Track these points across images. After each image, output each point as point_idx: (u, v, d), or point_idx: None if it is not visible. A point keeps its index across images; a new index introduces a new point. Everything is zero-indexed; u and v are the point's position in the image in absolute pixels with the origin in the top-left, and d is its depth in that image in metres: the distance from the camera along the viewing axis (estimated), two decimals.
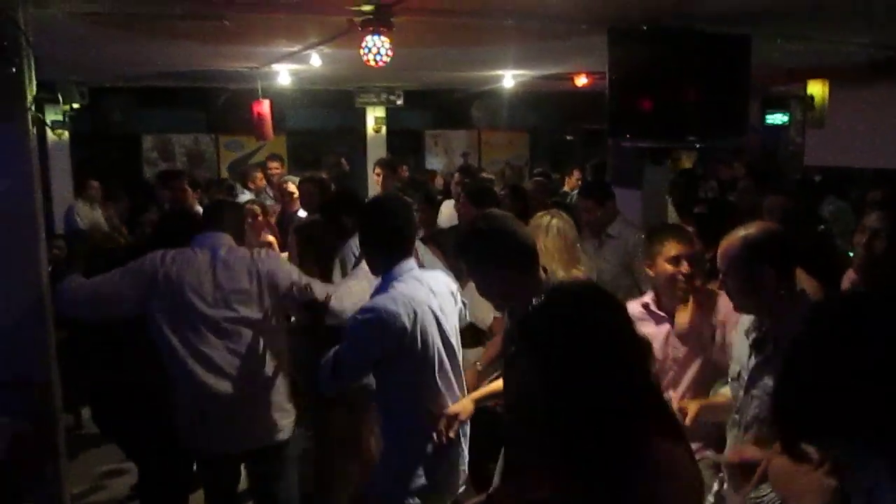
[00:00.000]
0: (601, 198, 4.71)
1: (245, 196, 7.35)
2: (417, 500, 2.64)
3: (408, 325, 2.55)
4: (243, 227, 3.40)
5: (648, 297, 3.16)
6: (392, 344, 2.56)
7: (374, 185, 6.58)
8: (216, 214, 3.29)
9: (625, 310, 1.64)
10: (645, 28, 4.60)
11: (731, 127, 5.01)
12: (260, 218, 5.34)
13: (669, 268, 2.99)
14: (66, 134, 9.02)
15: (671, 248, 3.01)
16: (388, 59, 4.25)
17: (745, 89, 4.89)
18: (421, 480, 2.65)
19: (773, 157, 11.13)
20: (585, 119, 10.43)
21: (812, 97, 7.05)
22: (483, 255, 2.40)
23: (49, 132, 8.69)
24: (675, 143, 5.37)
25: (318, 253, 4.06)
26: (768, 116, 10.31)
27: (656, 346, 2.86)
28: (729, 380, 2.58)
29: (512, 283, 2.36)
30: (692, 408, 2.57)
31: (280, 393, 3.17)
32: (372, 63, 4.27)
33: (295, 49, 5.96)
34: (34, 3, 3.42)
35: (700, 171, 9.16)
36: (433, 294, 2.72)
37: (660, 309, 3.10)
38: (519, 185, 5.76)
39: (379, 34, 4.17)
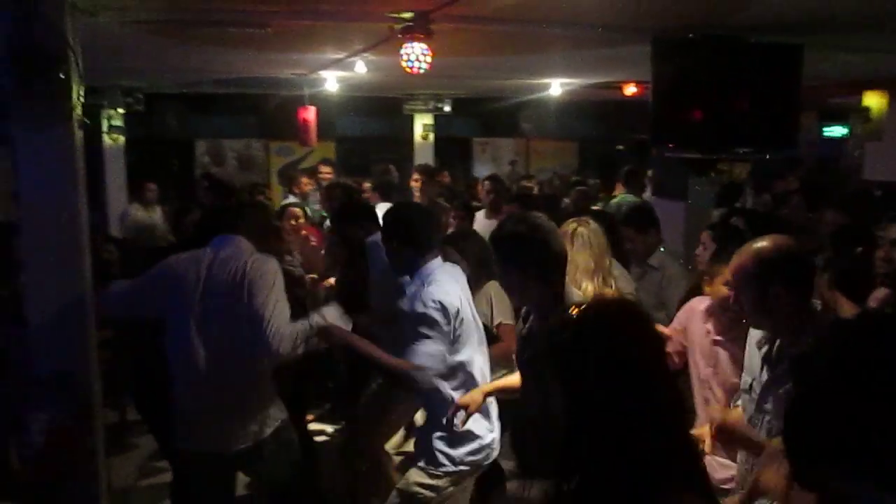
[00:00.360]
0: (642, 225, 4.53)
1: (290, 200, 7.46)
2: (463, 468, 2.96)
3: (461, 311, 2.89)
4: (267, 229, 3.44)
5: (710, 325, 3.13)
6: (458, 328, 2.86)
7: (414, 191, 6.58)
8: (233, 217, 3.35)
9: (658, 338, 1.59)
10: (691, 37, 4.50)
11: (781, 139, 4.86)
12: (301, 220, 5.43)
13: (724, 290, 2.86)
14: (122, 139, 9.31)
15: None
16: (427, 67, 4.25)
17: (796, 100, 4.73)
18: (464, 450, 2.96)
19: (831, 171, 10.76)
20: (635, 129, 10.26)
21: (868, 109, 6.78)
22: (511, 256, 2.49)
23: (105, 137, 9.01)
24: (723, 155, 5.23)
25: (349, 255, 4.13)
26: (826, 129, 9.98)
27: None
28: (741, 390, 2.52)
29: (532, 288, 2.46)
30: (706, 436, 2.50)
31: (260, 394, 3.17)
32: (413, 71, 4.27)
33: (340, 56, 6.03)
34: (82, 11, 3.53)
35: (750, 184, 8.92)
36: (460, 285, 3.03)
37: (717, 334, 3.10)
38: (529, 195, 5.70)
39: (418, 41, 4.17)
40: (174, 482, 4.06)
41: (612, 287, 3.28)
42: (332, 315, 3.04)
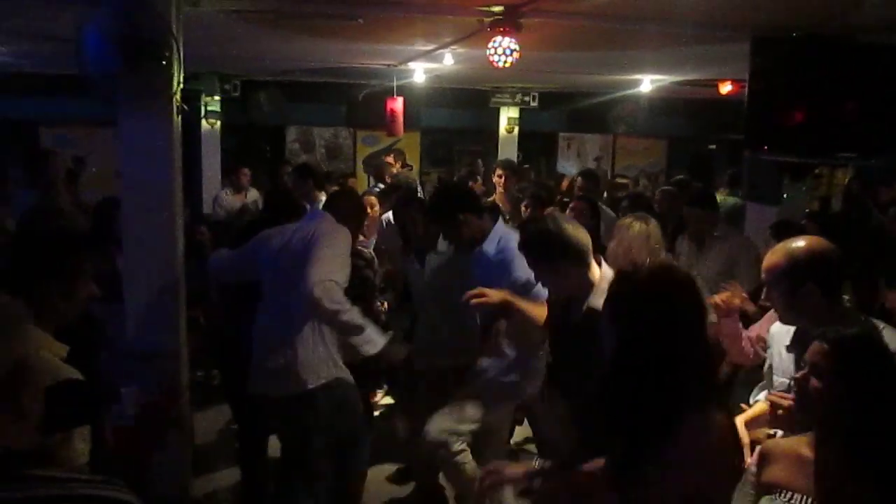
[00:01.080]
0: (708, 206, 4.77)
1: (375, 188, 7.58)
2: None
3: None
4: (354, 212, 3.70)
5: None
6: None
7: (497, 186, 6.53)
8: (328, 200, 3.96)
9: (698, 297, 1.87)
10: (794, 35, 4.29)
11: (889, 144, 4.59)
12: (376, 208, 5.54)
13: None
14: (218, 124, 9.66)
15: None
16: (515, 61, 4.22)
17: None
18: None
19: None
20: (729, 128, 9.90)
21: None
22: (540, 252, 2.81)
23: (203, 122, 9.38)
24: (824, 160, 4.98)
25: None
26: None
27: None
28: (775, 390, 2.54)
29: (563, 278, 2.78)
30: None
31: (313, 349, 3.35)
32: (499, 64, 4.25)
33: (429, 48, 6.05)
34: (185, 0, 3.68)
35: (856, 190, 8.47)
36: None
37: None
38: (541, 194, 5.54)
39: (507, 35, 4.14)
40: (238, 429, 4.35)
41: None
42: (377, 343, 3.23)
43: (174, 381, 3.70)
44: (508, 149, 10.71)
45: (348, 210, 3.61)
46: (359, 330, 3.17)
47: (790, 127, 4.34)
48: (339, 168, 10.68)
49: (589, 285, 2.74)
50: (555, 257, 2.76)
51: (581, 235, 2.78)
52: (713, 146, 12.63)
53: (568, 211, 5.10)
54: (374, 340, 3.20)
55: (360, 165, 11.55)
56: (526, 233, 2.91)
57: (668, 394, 1.75)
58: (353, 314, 3.16)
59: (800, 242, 2.39)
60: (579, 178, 6.66)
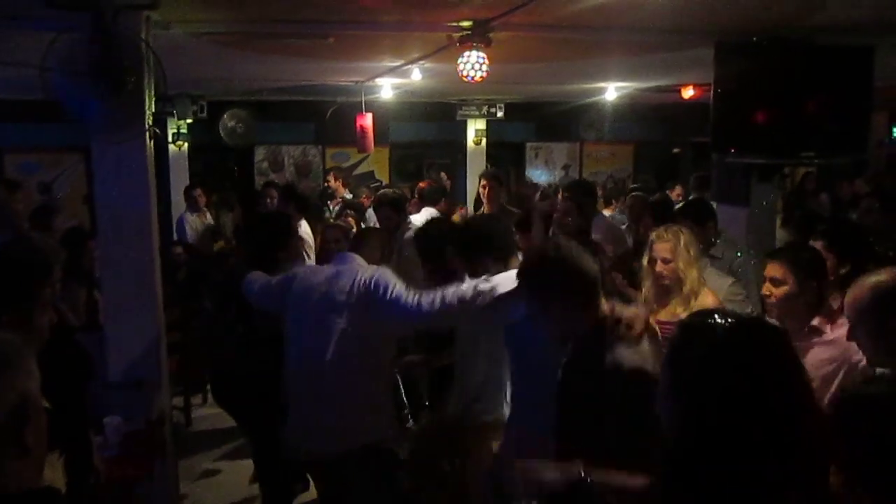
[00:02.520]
0: (700, 218, 4.31)
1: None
2: None
3: None
4: (379, 249, 3.49)
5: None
6: None
7: (482, 197, 6.54)
8: (356, 239, 3.68)
9: (795, 361, 1.50)
10: (755, 40, 4.41)
11: (850, 143, 4.72)
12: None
13: None
14: (185, 145, 9.59)
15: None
16: (484, 75, 4.26)
17: (867, 103, 4.59)
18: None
19: None
20: (694, 131, 10.08)
21: None
22: (546, 287, 2.30)
23: (170, 144, 9.30)
24: (789, 160, 5.09)
25: None
26: None
27: None
28: None
29: (575, 318, 2.29)
30: None
31: (359, 399, 3.10)
32: (469, 78, 4.29)
33: (397, 64, 6.09)
34: (156, 24, 3.66)
35: (810, 186, 8.68)
36: None
37: None
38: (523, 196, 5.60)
39: (477, 50, 4.19)
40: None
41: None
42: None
43: (156, 410, 3.66)
44: (477, 160, 10.78)
45: (373, 247, 3.44)
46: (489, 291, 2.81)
47: (755, 128, 4.43)
48: (310, 186, 10.63)
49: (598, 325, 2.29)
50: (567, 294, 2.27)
51: (591, 271, 2.32)
52: (678, 150, 12.85)
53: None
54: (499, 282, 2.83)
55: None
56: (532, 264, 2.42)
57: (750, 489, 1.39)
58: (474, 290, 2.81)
59: (882, 276, 2.18)
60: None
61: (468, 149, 10.88)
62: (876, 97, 4.64)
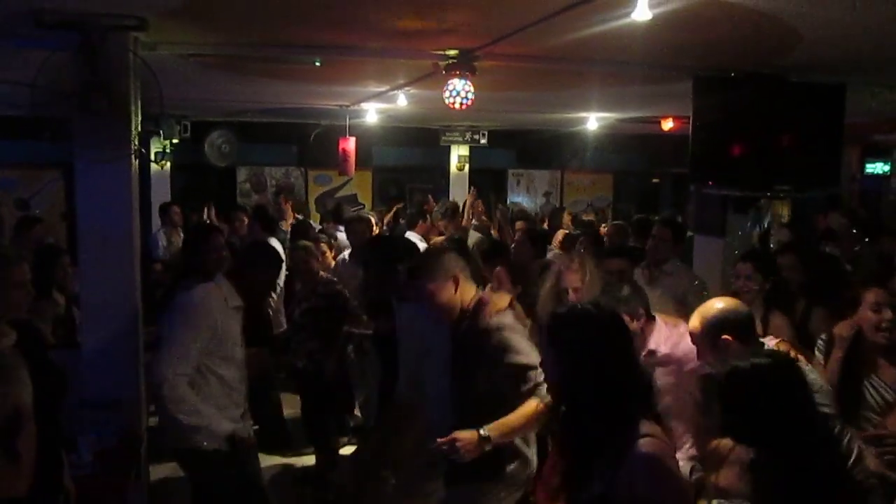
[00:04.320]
0: (679, 234, 4.84)
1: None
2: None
3: None
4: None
5: None
6: None
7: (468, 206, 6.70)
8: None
9: (625, 331, 2.18)
10: (732, 75, 4.53)
11: (823, 177, 4.84)
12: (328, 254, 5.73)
13: (872, 315, 3.07)
14: (168, 165, 9.57)
15: (872, 296, 3.07)
16: (470, 102, 4.33)
17: (838, 138, 4.72)
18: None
19: (874, 208, 10.61)
20: (673, 162, 10.25)
21: None
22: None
23: (153, 164, 9.28)
24: (763, 192, 5.21)
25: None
26: (868, 165, 9.87)
27: None
28: None
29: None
30: None
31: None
32: (455, 106, 4.36)
33: (382, 89, 6.16)
34: (144, 45, 3.69)
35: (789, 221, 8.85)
36: None
37: None
38: (534, 229, 5.82)
39: (462, 78, 4.26)
40: None
41: None
42: None
43: (132, 429, 3.63)
44: (460, 186, 10.87)
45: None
46: None
47: (731, 161, 4.54)
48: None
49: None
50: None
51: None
52: (657, 180, 13.03)
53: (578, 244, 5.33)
54: None
55: (312, 205, 11.54)
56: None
57: (609, 410, 2.00)
58: None
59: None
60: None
61: (451, 174, 10.99)
62: (848, 133, 4.78)
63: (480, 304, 2.90)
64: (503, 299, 2.99)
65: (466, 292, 2.93)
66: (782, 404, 2.10)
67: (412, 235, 6.19)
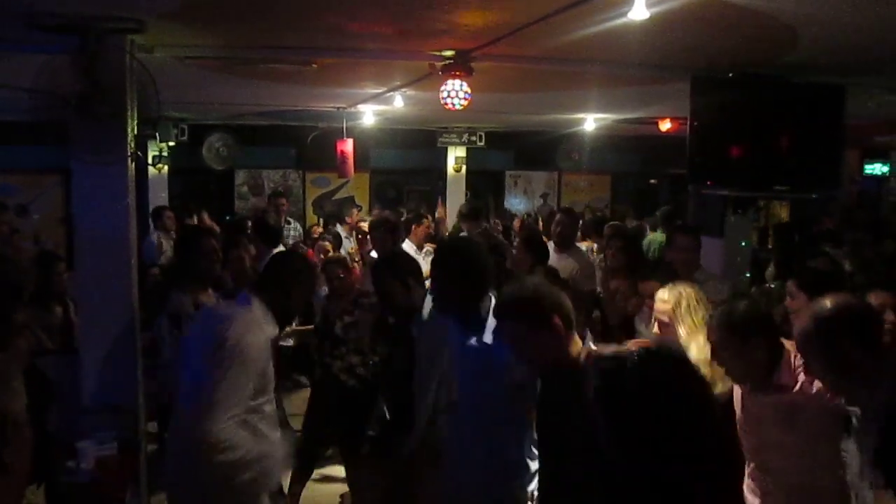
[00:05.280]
0: (698, 242, 4.43)
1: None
2: None
3: None
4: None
5: None
6: None
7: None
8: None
9: (708, 394, 1.66)
10: (731, 75, 4.52)
11: (824, 178, 4.84)
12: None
13: None
14: (165, 168, 9.55)
15: (875, 298, 2.91)
16: (466, 103, 4.33)
17: (839, 140, 4.73)
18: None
19: (873, 209, 10.61)
20: (671, 163, 10.24)
21: None
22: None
23: (150, 167, 9.26)
24: (763, 193, 5.21)
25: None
26: (867, 166, 9.88)
27: None
28: None
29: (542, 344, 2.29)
30: None
31: None
32: (451, 107, 4.35)
33: (379, 91, 6.15)
34: (140, 47, 3.67)
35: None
36: None
37: None
38: (532, 236, 5.52)
39: (458, 79, 4.25)
40: None
41: None
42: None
43: (131, 435, 3.60)
44: (457, 187, 10.86)
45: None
46: None
47: (730, 162, 4.53)
48: (291, 210, 10.62)
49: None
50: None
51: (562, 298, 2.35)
52: (655, 181, 13.03)
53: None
54: None
55: (309, 207, 11.53)
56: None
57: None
58: None
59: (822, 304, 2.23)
60: (559, 216, 6.11)
61: (448, 176, 10.96)
62: (847, 134, 4.77)
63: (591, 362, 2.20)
64: (576, 345, 2.35)
65: (573, 343, 2.33)
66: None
67: (408, 245, 6.08)
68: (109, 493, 3.19)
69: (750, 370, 2.53)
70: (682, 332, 3.01)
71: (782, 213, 9.05)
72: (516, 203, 12.59)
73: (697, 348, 2.86)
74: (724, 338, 2.48)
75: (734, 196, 5.03)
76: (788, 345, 2.56)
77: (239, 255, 4.97)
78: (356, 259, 6.68)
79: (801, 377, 2.51)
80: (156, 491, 4.43)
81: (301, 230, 8.62)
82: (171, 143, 8.99)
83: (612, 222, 7.48)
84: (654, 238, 7.48)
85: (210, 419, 2.60)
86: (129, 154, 3.52)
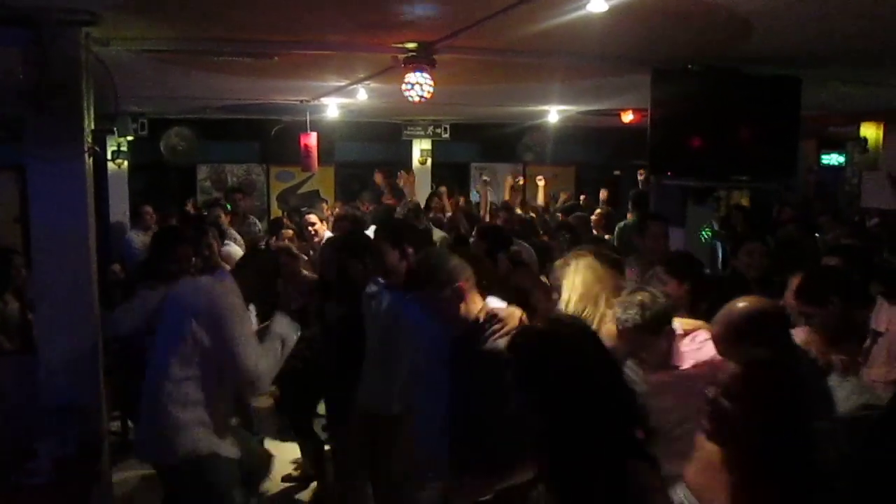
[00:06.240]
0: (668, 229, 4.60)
1: None
2: None
3: None
4: None
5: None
6: None
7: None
8: None
9: (605, 350, 1.93)
10: (690, 67, 4.59)
11: (780, 168, 4.94)
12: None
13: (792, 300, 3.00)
14: (125, 164, 9.37)
15: (796, 281, 3.04)
16: (430, 96, 4.32)
17: (795, 131, 4.82)
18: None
19: (830, 199, 10.85)
20: (634, 154, 10.35)
21: (865, 139, 6.84)
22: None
23: (109, 162, 9.08)
24: (721, 183, 5.31)
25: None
26: (824, 157, 10.09)
27: None
28: None
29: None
30: None
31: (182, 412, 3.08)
32: (414, 99, 4.34)
33: (343, 83, 6.11)
34: (96, 41, 3.60)
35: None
36: None
37: None
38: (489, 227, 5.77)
39: (421, 71, 4.25)
40: None
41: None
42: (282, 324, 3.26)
43: (93, 435, 3.55)
44: (423, 180, 10.84)
45: None
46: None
47: (689, 153, 4.61)
48: (254, 205, 10.51)
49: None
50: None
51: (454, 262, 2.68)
52: (619, 172, 13.16)
53: None
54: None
55: (274, 202, 11.43)
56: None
57: (585, 451, 1.76)
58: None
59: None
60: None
61: (414, 168, 10.94)
62: (804, 125, 4.88)
63: (492, 321, 2.62)
64: (514, 316, 2.66)
65: (475, 302, 2.69)
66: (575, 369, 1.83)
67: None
68: (71, 494, 3.13)
69: (656, 356, 2.80)
70: (564, 295, 3.24)
71: (742, 202, 9.21)
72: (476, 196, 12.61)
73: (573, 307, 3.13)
74: (638, 335, 2.74)
75: (694, 186, 5.11)
76: (687, 325, 2.90)
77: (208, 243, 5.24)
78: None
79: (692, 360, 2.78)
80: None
81: (260, 226, 8.49)
82: (130, 138, 8.82)
83: (577, 213, 7.56)
84: (628, 222, 7.43)
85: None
86: (86, 149, 3.45)
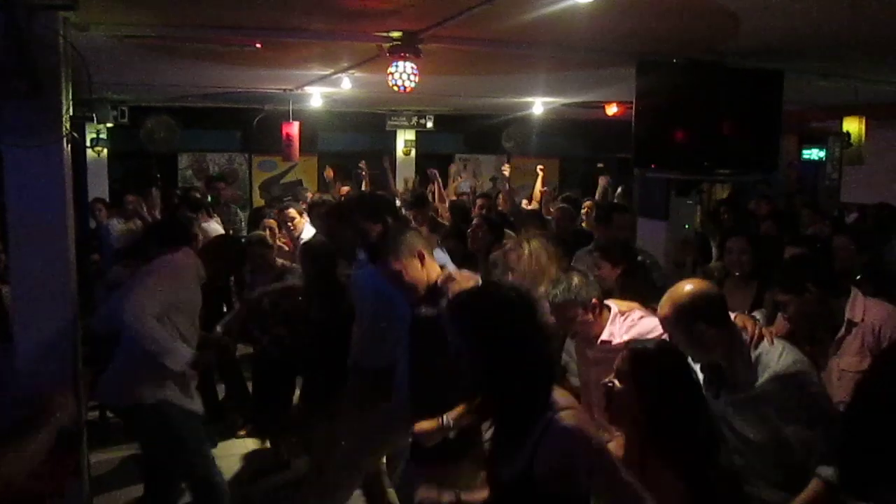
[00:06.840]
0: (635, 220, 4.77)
1: None
2: None
3: None
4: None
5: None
6: None
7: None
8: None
9: (532, 308, 2.14)
10: (675, 61, 4.59)
11: (762, 161, 4.96)
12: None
13: None
14: (105, 151, 9.25)
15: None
16: (414, 85, 4.30)
17: (776, 124, 4.84)
18: None
19: (810, 193, 10.96)
20: (618, 147, 10.39)
21: (848, 134, 6.88)
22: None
23: (89, 150, 8.96)
24: (704, 176, 5.32)
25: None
26: (805, 152, 10.18)
27: None
28: None
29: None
30: None
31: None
32: (398, 88, 4.32)
33: (326, 73, 6.06)
34: (74, 25, 3.53)
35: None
36: None
37: None
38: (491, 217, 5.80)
39: (406, 61, 4.22)
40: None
41: None
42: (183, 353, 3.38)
43: (71, 428, 3.50)
44: (406, 171, 10.82)
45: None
46: None
47: (673, 146, 4.62)
48: (237, 194, 10.42)
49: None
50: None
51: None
52: (602, 164, 13.19)
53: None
54: None
55: (257, 191, 11.34)
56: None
57: (525, 391, 2.01)
58: None
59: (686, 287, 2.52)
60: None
61: (398, 159, 10.91)
62: (785, 120, 4.90)
63: (448, 282, 2.90)
64: (469, 280, 2.95)
65: (432, 270, 2.95)
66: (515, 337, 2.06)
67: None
68: (47, 485, 3.09)
69: (585, 332, 3.06)
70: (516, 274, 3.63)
71: (724, 196, 9.27)
72: (465, 186, 12.59)
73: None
74: (564, 310, 2.99)
75: (677, 179, 5.13)
76: (622, 305, 3.10)
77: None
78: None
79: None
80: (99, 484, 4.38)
81: (243, 216, 8.41)
82: (110, 125, 8.70)
83: (561, 205, 7.54)
84: None
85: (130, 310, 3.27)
86: (63, 136, 3.39)
